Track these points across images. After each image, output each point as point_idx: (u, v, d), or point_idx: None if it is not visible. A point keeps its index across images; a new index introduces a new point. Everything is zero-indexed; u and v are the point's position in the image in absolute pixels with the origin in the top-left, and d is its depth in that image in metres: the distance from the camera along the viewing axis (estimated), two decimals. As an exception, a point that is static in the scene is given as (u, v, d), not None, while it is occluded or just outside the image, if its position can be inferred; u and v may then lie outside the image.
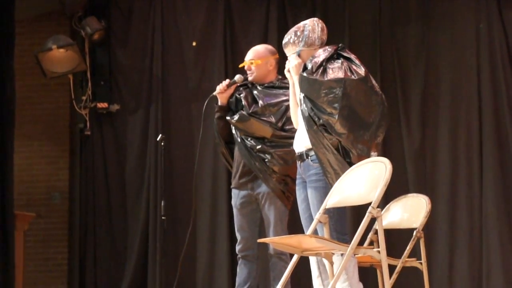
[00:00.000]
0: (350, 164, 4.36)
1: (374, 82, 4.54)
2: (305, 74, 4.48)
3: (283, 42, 4.70)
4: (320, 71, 4.46)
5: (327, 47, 4.61)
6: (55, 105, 8.43)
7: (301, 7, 7.82)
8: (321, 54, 4.54)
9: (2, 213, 7.00)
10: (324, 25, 4.69)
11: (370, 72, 4.63)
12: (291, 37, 4.66)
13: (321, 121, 4.43)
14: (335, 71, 4.44)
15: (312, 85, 4.45)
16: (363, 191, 4.08)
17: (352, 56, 4.56)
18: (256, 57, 5.56)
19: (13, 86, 7.22)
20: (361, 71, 4.48)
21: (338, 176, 4.35)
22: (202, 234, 7.70)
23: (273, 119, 5.43)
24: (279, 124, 5.41)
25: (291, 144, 4.83)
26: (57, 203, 8.30)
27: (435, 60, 7.64)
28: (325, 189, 4.44)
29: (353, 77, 4.44)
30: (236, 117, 5.48)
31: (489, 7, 7.52)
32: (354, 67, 4.49)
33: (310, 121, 4.46)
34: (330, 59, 4.51)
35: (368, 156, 4.38)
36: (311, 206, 4.55)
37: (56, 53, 7.83)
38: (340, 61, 4.50)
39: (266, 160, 5.37)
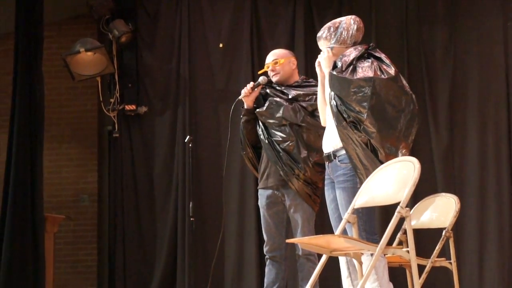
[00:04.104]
0: (380, 161, 4.35)
1: (404, 82, 4.52)
2: (334, 73, 4.48)
3: (317, 35, 4.71)
4: (350, 69, 4.45)
5: (358, 46, 4.60)
6: (83, 107, 8.48)
7: (327, 8, 7.82)
8: (352, 52, 4.53)
9: (32, 215, 7.05)
10: (361, 25, 4.66)
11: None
12: (324, 32, 4.67)
13: (350, 118, 4.42)
14: (365, 70, 4.43)
15: (341, 83, 4.44)
16: (392, 191, 4.06)
17: (383, 56, 4.54)
18: (279, 56, 5.62)
19: (42, 89, 7.28)
20: (391, 70, 4.46)
21: (368, 172, 4.33)
22: (231, 235, 7.71)
23: (303, 104, 5.44)
24: (309, 109, 5.42)
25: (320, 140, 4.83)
26: (86, 205, 8.34)
27: (463, 59, 7.61)
28: (353, 189, 4.43)
29: (382, 76, 4.42)
30: (266, 105, 5.50)
31: (517, 5, 7.49)
32: (384, 66, 4.47)
33: (339, 116, 4.45)
34: (360, 58, 4.50)
35: (397, 155, 4.36)
36: (339, 206, 4.55)
37: (84, 56, 7.87)
38: (370, 60, 4.48)
39: (299, 165, 5.36)
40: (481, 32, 7.60)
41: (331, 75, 4.50)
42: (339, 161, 4.55)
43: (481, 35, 7.60)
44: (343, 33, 4.62)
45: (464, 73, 7.59)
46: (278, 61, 5.59)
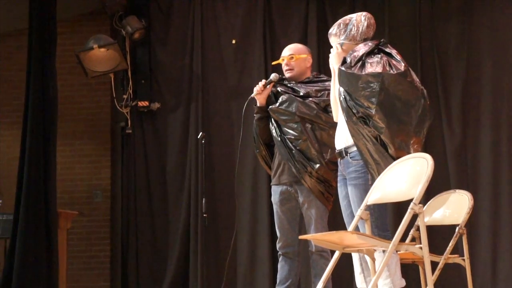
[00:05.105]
0: (391, 156, 4.34)
1: (414, 77, 4.50)
2: (343, 68, 4.47)
3: (328, 32, 4.71)
4: (359, 65, 4.44)
5: (368, 42, 4.58)
6: (97, 104, 8.50)
7: (340, 4, 7.81)
8: (361, 48, 4.51)
9: (45, 211, 7.08)
10: (372, 22, 4.63)
11: (410, 69, 4.60)
12: (334, 28, 4.66)
13: (359, 113, 4.41)
14: (374, 65, 4.42)
15: (349, 78, 4.43)
16: (405, 187, 4.05)
17: (394, 52, 4.52)
18: (297, 52, 5.57)
19: (55, 86, 7.31)
20: (401, 66, 4.44)
21: (379, 166, 4.32)
22: (244, 231, 7.72)
23: (316, 100, 5.43)
24: (322, 105, 5.41)
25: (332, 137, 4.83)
26: (99, 201, 8.36)
27: (476, 56, 7.58)
28: (365, 186, 4.42)
29: (391, 71, 4.40)
30: (278, 101, 5.48)
31: (531, 1, 7.46)
32: (394, 62, 4.45)
33: (349, 112, 4.45)
34: (370, 53, 4.49)
35: (408, 151, 4.35)
36: (351, 203, 4.54)
37: (97, 52, 7.89)
38: (379, 55, 4.47)
39: (312, 163, 5.35)
40: (494, 28, 7.57)
41: (339, 70, 4.50)
42: (350, 157, 4.54)
43: (494, 32, 7.57)
44: (353, 30, 4.61)
45: (477, 70, 7.57)
46: (294, 56, 5.55)
